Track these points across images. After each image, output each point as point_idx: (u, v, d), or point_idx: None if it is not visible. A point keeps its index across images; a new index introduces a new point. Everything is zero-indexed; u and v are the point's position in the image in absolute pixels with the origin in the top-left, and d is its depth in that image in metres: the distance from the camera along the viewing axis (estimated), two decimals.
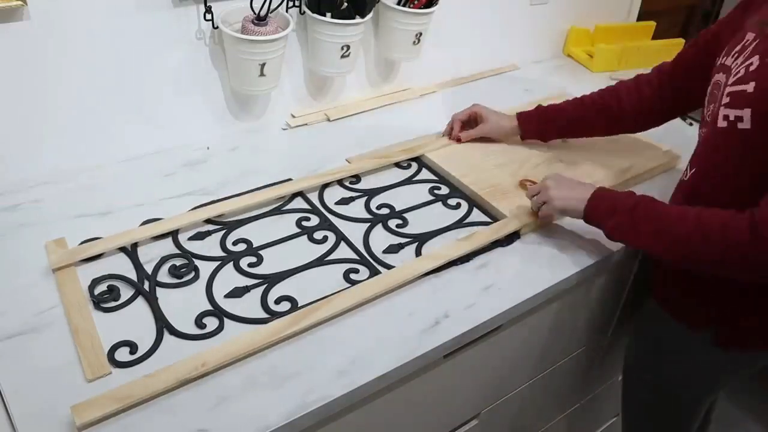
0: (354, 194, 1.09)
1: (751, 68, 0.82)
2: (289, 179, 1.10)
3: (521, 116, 1.21)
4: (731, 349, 0.97)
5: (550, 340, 1.11)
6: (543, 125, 1.19)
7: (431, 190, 1.12)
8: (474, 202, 1.09)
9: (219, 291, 0.87)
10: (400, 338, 0.82)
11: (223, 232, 0.98)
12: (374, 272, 0.92)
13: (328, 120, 1.30)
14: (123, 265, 0.90)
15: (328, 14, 1.13)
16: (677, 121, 1.42)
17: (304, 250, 0.96)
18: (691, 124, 1.41)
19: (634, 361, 1.14)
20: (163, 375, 0.73)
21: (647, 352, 1.10)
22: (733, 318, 0.94)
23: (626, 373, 1.18)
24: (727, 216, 0.79)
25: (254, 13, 1.07)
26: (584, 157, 1.22)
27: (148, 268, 0.89)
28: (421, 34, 1.27)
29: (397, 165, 1.18)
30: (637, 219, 0.87)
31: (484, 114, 1.23)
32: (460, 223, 1.04)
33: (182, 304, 0.84)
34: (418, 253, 0.97)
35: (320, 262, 0.94)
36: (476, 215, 1.06)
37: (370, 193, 1.10)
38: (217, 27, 1.08)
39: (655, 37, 1.79)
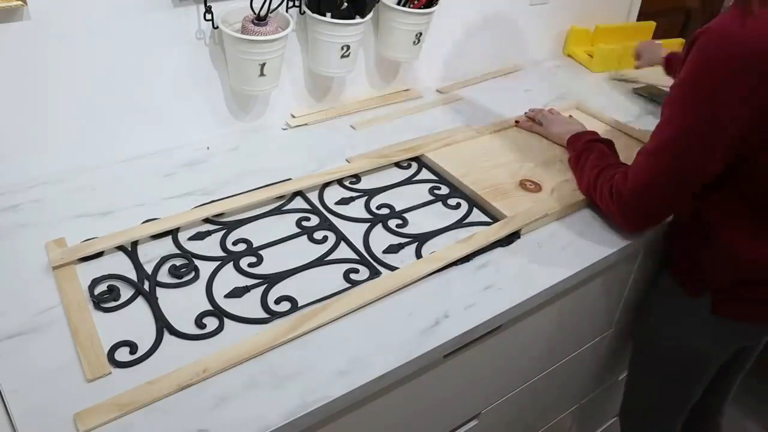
0: (354, 194, 1.09)
1: None
2: (289, 179, 1.10)
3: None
4: (728, 318, 1.04)
5: (550, 340, 1.11)
6: None
7: (431, 190, 1.12)
8: (474, 202, 1.09)
9: (219, 291, 0.87)
10: (400, 338, 0.82)
11: (223, 232, 0.98)
12: (374, 272, 0.92)
13: (328, 120, 1.30)
14: (123, 265, 0.90)
15: (328, 14, 1.13)
16: None
17: (304, 250, 0.96)
18: None
19: (644, 328, 1.22)
20: (165, 381, 0.73)
21: (657, 320, 1.16)
22: (730, 288, 1.01)
23: (636, 339, 1.26)
24: (608, 180, 1.01)
25: (254, 13, 1.07)
26: None
27: (148, 268, 0.89)
28: (421, 34, 1.27)
29: (397, 165, 1.18)
30: (578, 161, 1.11)
31: (639, 50, 1.51)
32: (460, 223, 1.04)
33: (182, 304, 0.84)
34: (418, 253, 0.97)
35: (320, 262, 0.94)
36: (476, 215, 1.06)
37: (370, 193, 1.10)
38: (217, 27, 1.08)
39: (655, 37, 1.79)
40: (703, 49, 0.84)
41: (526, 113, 1.34)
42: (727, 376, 1.25)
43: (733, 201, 0.97)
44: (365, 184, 1.12)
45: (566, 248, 1.01)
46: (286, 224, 1.01)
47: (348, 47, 1.18)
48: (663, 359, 1.18)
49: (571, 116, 1.32)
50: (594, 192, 1.04)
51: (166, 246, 0.94)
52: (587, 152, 1.11)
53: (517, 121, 1.32)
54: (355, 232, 1.00)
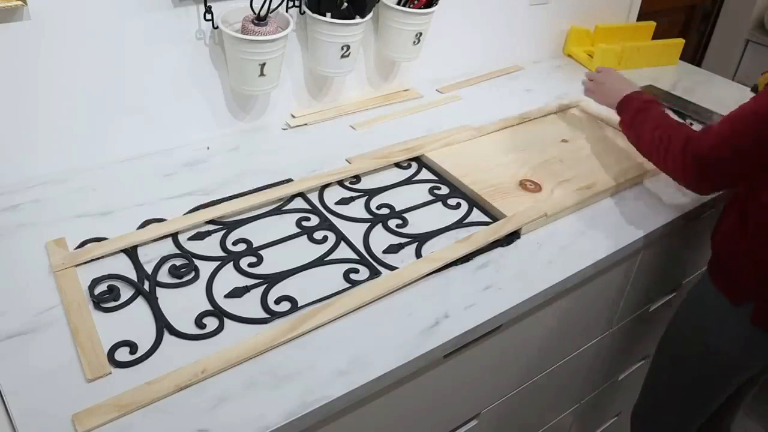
0: (354, 194, 1.09)
1: None
2: (289, 179, 1.10)
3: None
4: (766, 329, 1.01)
5: (549, 340, 1.11)
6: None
7: (431, 190, 1.12)
8: (474, 202, 1.09)
9: (219, 291, 0.87)
10: (400, 338, 0.82)
11: (223, 232, 0.98)
12: (374, 272, 0.92)
13: (328, 120, 1.30)
14: (123, 265, 0.90)
15: (328, 14, 1.13)
16: None
17: (304, 250, 0.96)
18: (691, 124, 1.41)
19: (676, 331, 1.18)
20: (164, 382, 0.73)
21: (691, 325, 1.13)
22: None
23: (664, 340, 1.21)
24: (680, 137, 0.99)
25: (254, 13, 1.07)
26: (584, 157, 1.22)
27: (148, 268, 0.89)
28: (421, 34, 1.27)
29: (397, 165, 1.18)
30: (632, 120, 1.11)
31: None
32: (460, 223, 1.04)
33: (182, 304, 0.84)
34: (418, 253, 0.97)
35: (320, 262, 0.94)
36: (476, 215, 1.06)
37: (370, 193, 1.10)
38: (217, 27, 1.08)
39: (655, 37, 1.79)
40: None
41: (587, 77, 1.30)
42: (747, 385, 1.22)
43: None
44: (365, 184, 1.12)
45: (566, 248, 1.01)
46: (286, 224, 1.01)
47: (348, 47, 1.18)
48: (691, 365, 1.14)
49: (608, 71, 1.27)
50: (658, 150, 1.02)
51: (166, 246, 0.94)
52: (644, 112, 1.09)
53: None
54: (355, 232, 1.00)
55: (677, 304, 1.21)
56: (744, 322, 1.03)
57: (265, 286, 0.89)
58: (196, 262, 0.91)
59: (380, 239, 0.99)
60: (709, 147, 0.94)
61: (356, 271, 0.93)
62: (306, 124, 1.29)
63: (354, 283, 0.90)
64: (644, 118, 1.08)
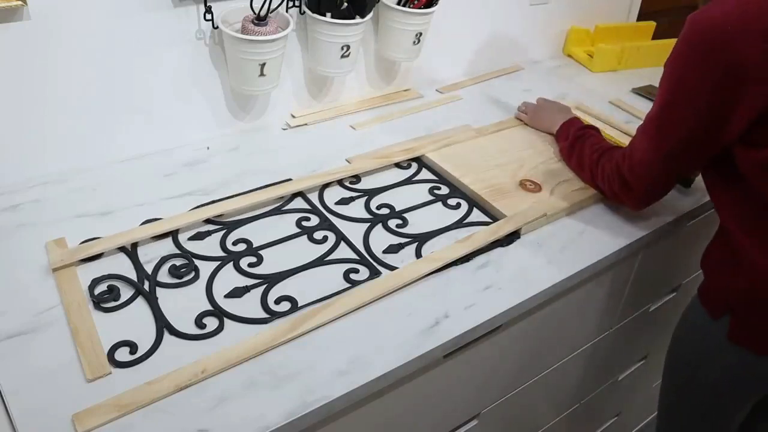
0: (354, 194, 1.09)
1: None
2: (289, 179, 1.10)
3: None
4: (745, 350, 0.94)
5: (550, 340, 1.11)
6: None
7: (431, 190, 1.12)
8: (474, 202, 1.09)
9: (219, 291, 0.87)
10: (400, 338, 0.82)
11: (223, 232, 0.98)
12: (374, 272, 0.92)
13: (328, 120, 1.30)
14: (123, 265, 0.90)
15: (328, 14, 1.13)
16: None
17: (304, 250, 0.96)
18: None
19: (669, 349, 1.12)
20: (164, 382, 0.73)
21: (677, 342, 1.08)
22: (749, 308, 0.93)
23: (665, 363, 1.15)
24: (609, 162, 1.03)
25: (254, 13, 1.07)
26: None
27: (148, 268, 0.89)
28: (421, 34, 1.27)
29: (397, 165, 1.18)
30: (572, 150, 1.15)
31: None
32: (460, 223, 1.04)
33: (182, 304, 0.84)
34: (418, 253, 0.97)
35: (320, 262, 0.94)
36: (476, 215, 1.06)
37: (370, 193, 1.10)
38: (217, 27, 1.08)
39: (655, 37, 1.79)
40: (683, 31, 0.86)
41: (519, 107, 1.37)
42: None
43: (743, 204, 0.91)
44: (365, 184, 1.12)
45: (566, 248, 1.01)
46: (286, 224, 1.01)
47: (348, 47, 1.18)
48: (679, 388, 1.08)
49: (545, 100, 1.35)
50: (597, 178, 1.06)
51: (166, 246, 0.94)
52: (580, 141, 1.13)
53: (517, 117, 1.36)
54: (355, 232, 1.00)
55: (677, 304, 1.21)
56: (720, 338, 0.96)
57: (265, 286, 0.89)
58: (196, 262, 0.91)
59: (380, 239, 0.99)
60: (639, 161, 0.95)
61: (356, 271, 0.93)
62: (306, 124, 1.29)
63: (354, 283, 0.90)
64: (583, 144, 1.12)
